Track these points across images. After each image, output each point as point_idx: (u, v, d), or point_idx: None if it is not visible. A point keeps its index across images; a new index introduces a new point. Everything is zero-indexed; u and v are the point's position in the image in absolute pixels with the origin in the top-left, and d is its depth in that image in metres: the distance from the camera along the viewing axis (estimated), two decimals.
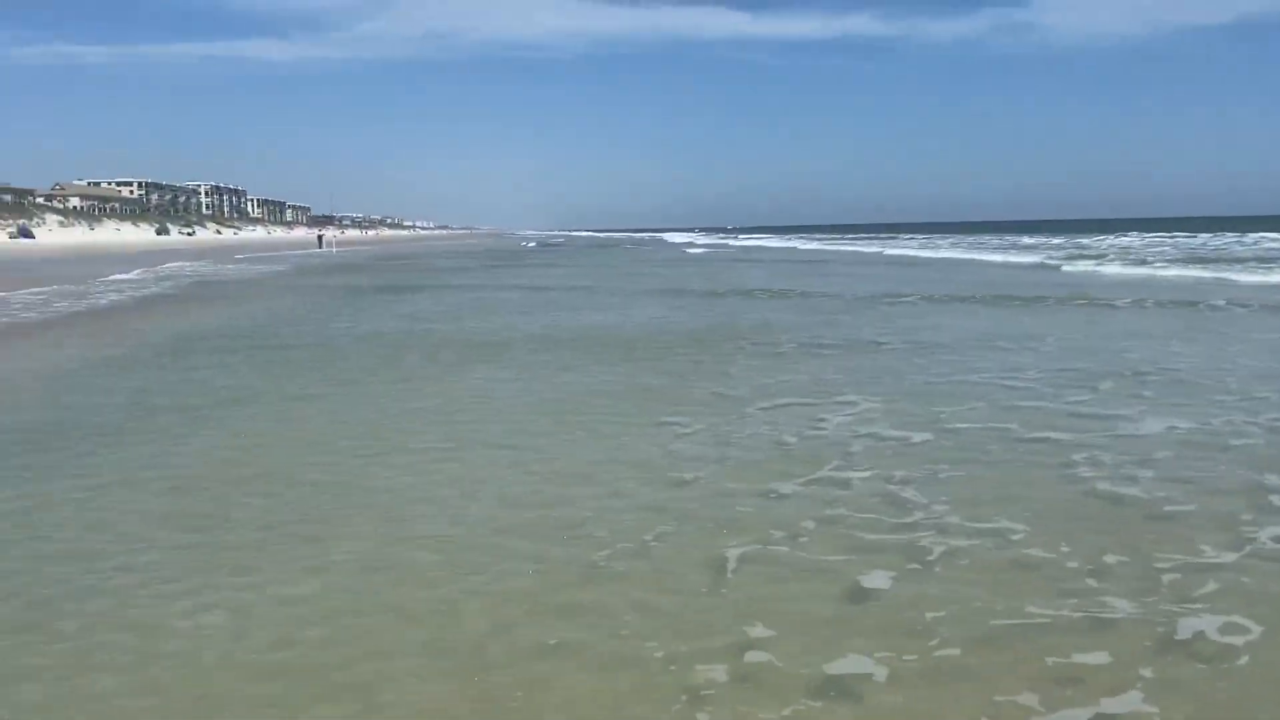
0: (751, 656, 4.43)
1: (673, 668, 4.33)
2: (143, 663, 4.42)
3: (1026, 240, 77.87)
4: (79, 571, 5.55)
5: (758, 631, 4.67)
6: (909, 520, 6.33)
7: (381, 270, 48.02)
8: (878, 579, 5.35)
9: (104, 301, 26.60)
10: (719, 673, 4.27)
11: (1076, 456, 7.89)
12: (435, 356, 14.38)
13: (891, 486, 7.08)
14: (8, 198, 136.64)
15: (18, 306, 24.23)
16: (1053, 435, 8.64)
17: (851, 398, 10.46)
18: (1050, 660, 4.39)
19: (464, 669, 4.34)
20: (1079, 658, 4.42)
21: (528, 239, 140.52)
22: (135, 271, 43.83)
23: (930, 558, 5.66)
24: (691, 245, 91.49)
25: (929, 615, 4.87)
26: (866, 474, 7.41)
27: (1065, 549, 5.79)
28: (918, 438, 8.58)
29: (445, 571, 5.50)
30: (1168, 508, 6.59)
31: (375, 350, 15.33)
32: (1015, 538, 6.01)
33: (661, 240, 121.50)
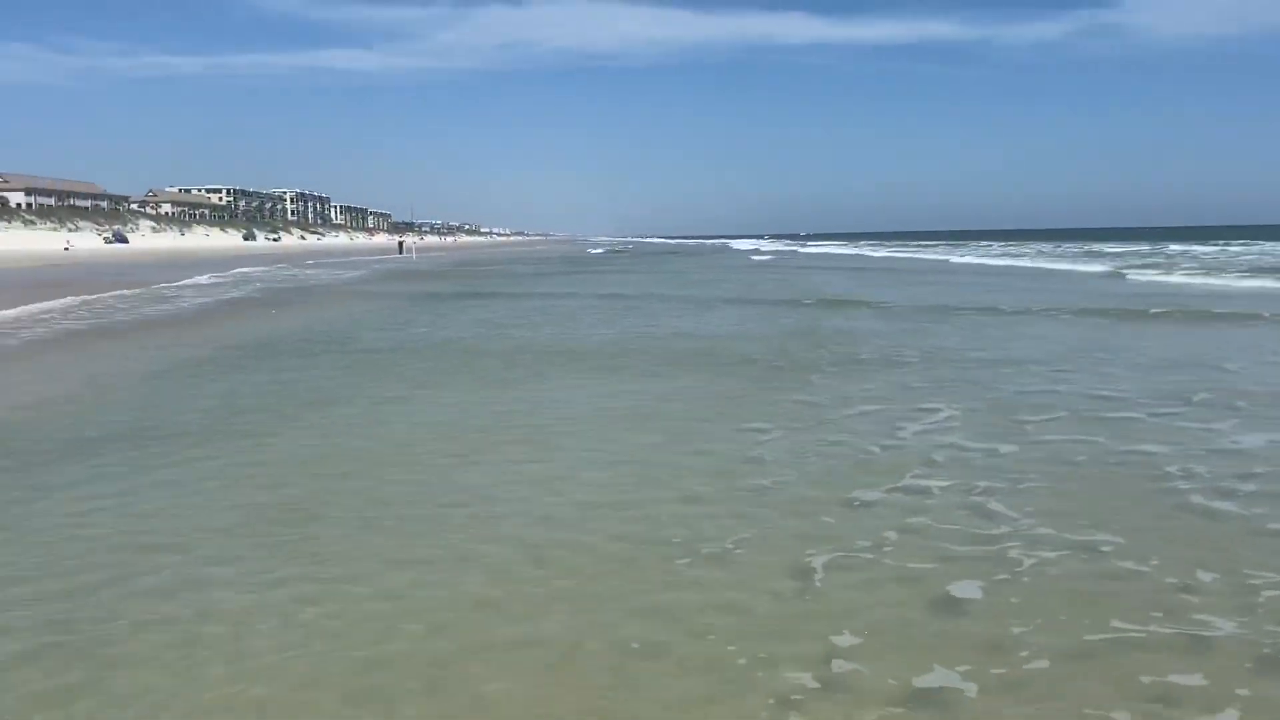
0: (839, 664, 4.43)
1: (759, 673, 4.35)
2: (243, 653, 4.59)
3: (1099, 248, 76.01)
4: (176, 563, 5.77)
5: (844, 639, 4.67)
6: (995, 531, 6.26)
7: (459, 276, 48.75)
8: (965, 590, 5.30)
9: (188, 304, 27.47)
10: (806, 679, 4.29)
11: (1170, 469, 7.70)
12: (514, 361, 14.56)
13: (977, 497, 7.00)
14: (104, 204, 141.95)
15: (106, 309, 25.15)
16: (1144, 448, 8.45)
17: (934, 406, 10.35)
18: (1144, 678, 4.31)
19: (556, 668, 4.42)
20: (1174, 677, 4.33)
21: (596, 245, 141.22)
22: (208, 275, 45.13)
23: (1018, 569, 5.59)
24: (757, 252, 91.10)
25: (1018, 628, 4.82)
26: (951, 483, 7.33)
27: (1157, 563, 5.67)
28: (1004, 448, 8.45)
29: (533, 571, 5.60)
30: (1269, 524, 6.40)
31: (455, 355, 15.60)
32: (1105, 550, 5.90)
33: (729, 247, 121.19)
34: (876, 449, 8.47)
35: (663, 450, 8.55)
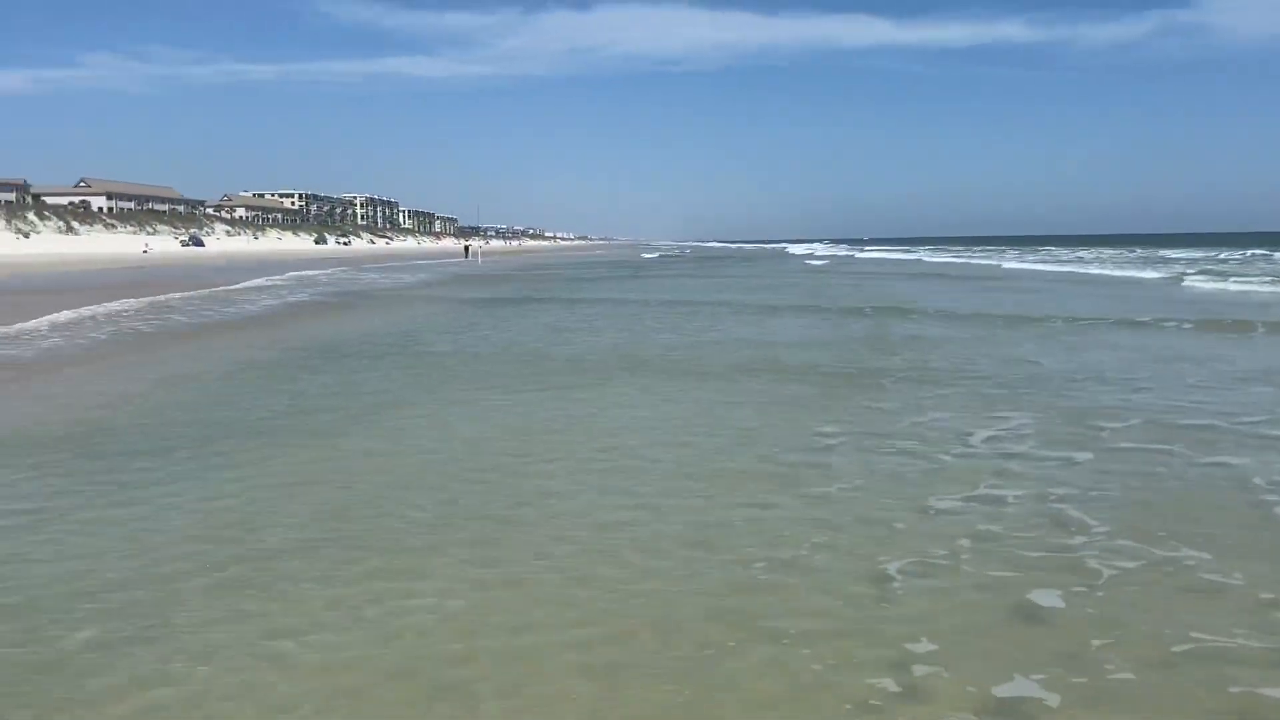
0: (918, 670, 4.40)
1: (836, 678, 4.34)
2: (324, 647, 4.68)
3: (1164, 253, 73.87)
4: (252, 555, 5.91)
5: (922, 646, 4.64)
6: (1074, 540, 6.15)
7: (522, 280, 49.10)
8: (1044, 598, 5.22)
9: (259, 306, 28.07)
10: (885, 684, 4.27)
11: (1256, 480, 7.50)
12: (578, 366, 14.64)
13: (1054, 505, 6.88)
14: (180, 208, 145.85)
15: (179, 309, 25.81)
16: (1227, 459, 8.23)
17: (1007, 413, 10.18)
18: (1233, 690, 4.21)
19: (632, 669, 4.45)
20: (1266, 690, 4.22)
21: (656, 250, 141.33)
22: (280, 277, 46.07)
23: (1098, 580, 5.49)
24: (812, 256, 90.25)
25: (1100, 638, 4.74)
26: (1027, 491, 7.22)
27: (1242, 575, 5.53)
28: (1080, 457, 8.30)
29: (606, 572, 5.64)
30: None
31: (518, 359, 15.71)
32: (1189, 563, 5.77)
33: (787, 252, 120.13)
34: (949, 456, 8.36)
35: (731, 456, 8.55)
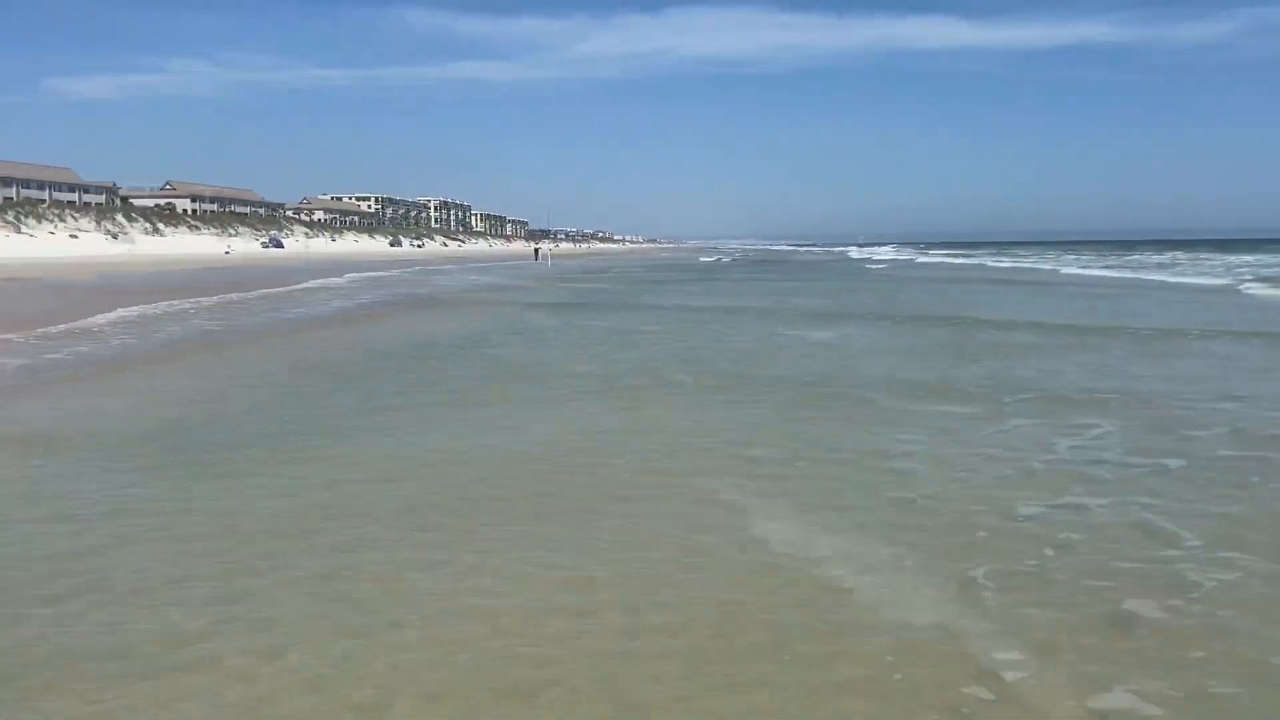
0: (1011, 678, 4.32)
1: (928, 686, 4.27)
2: (409, 644, 4.75)
3: (1207, 258, 71.09)
4: (336, 546, 6.02)
5: (1014, 655, 4.54)
6: (1169, 550, 5.98)
7: (590, 282, 49.27)
8: (1138, 608, 5.09)
9: (337, 306, 28.63)
10: (978, 691, 4.19)
11: None
12: (647, 370, 14.59)
13: (1147, 514, 6.70)
14: (261, 210, 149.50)
15: (258, 307, 26.45)
16: None
17: (1094, 420, 9.94)
18: None
19: (709, 674, 4.44)
20: None
21: (722, 253, 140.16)
22: (355, 276, 46.89)
23: (1195, 591, 5.33)
24: (870, 261, 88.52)
25: (1198, 650, 4.61)
26: (1116, 499, 7.03)
27: None
28: (1172, 464, 8.07)
29: (685, 576, 5.64)
30: None
31: (590, 363, 15.75)
32: None
33: (857, 256, 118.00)
34: (1038, 464, 8.19)
35: (811, 462, 8.47)
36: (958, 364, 14.64)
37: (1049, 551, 5.95)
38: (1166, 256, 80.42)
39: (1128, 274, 52.10)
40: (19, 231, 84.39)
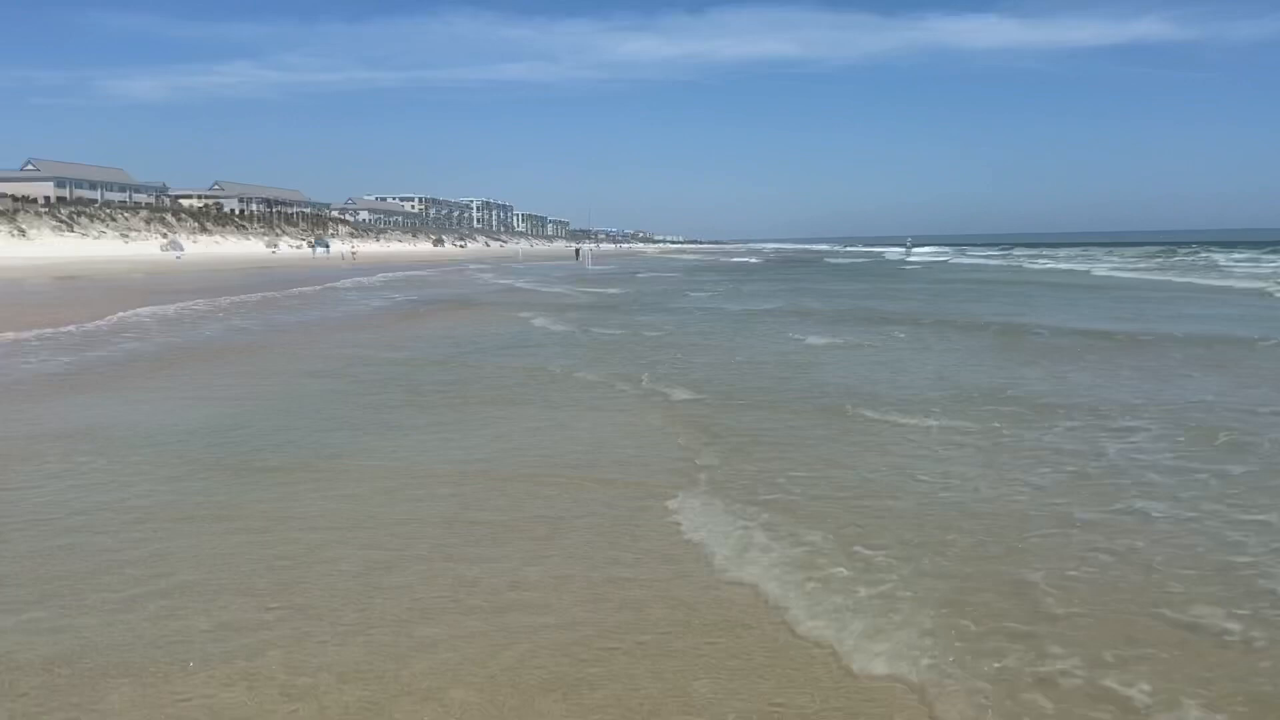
0: (1067, 684, 4.17)
1: (996, 687, 4.14)
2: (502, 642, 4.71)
3: (1217, 258, 68.74)
4: (400, 538, 6.02)
5: (1075, 663, 4.39)
6: (1240, 559, 5.77)
7: (628, 283, 49.27)
8: (1213, 619, 4.89)
9: (382, 303, 28.84)
10: (1036, 699, 4.06)
11: None
12: (689, 378, 14.53)
13: (1212, 523, 6.48)
14: (307, 210, 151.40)
15: (300, 305, 26.70)
16: None
17: (1139, 422, 9.68)
18: None
19: (816, 683, 4.36)
20: None
21: (756, 255, 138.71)
22: (396, 274, 47.18)
23: (1265, 600, 5.13)
24: (904, 262, 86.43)
25: (1274, 660, 4.42)
26: (1179, 505, 6.81)
27: None
28: (1236, 470, 7.82)
29: (735, 572, 5.55)
30: None
31: (627, 363, 15.69)
32: None
33: (899, 255, 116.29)
34: (1095, 468, 7.99)
35: (862, 468, 8.35)
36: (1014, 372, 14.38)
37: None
38: (1219, 257, 77.96)
39: (1159, 275, 50.61)
40: (71, 230, 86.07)
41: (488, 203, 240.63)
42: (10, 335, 18.27)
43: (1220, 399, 11.24)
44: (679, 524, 6.47)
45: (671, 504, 6.89)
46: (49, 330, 19.28)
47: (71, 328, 19.77)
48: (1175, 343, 17.41)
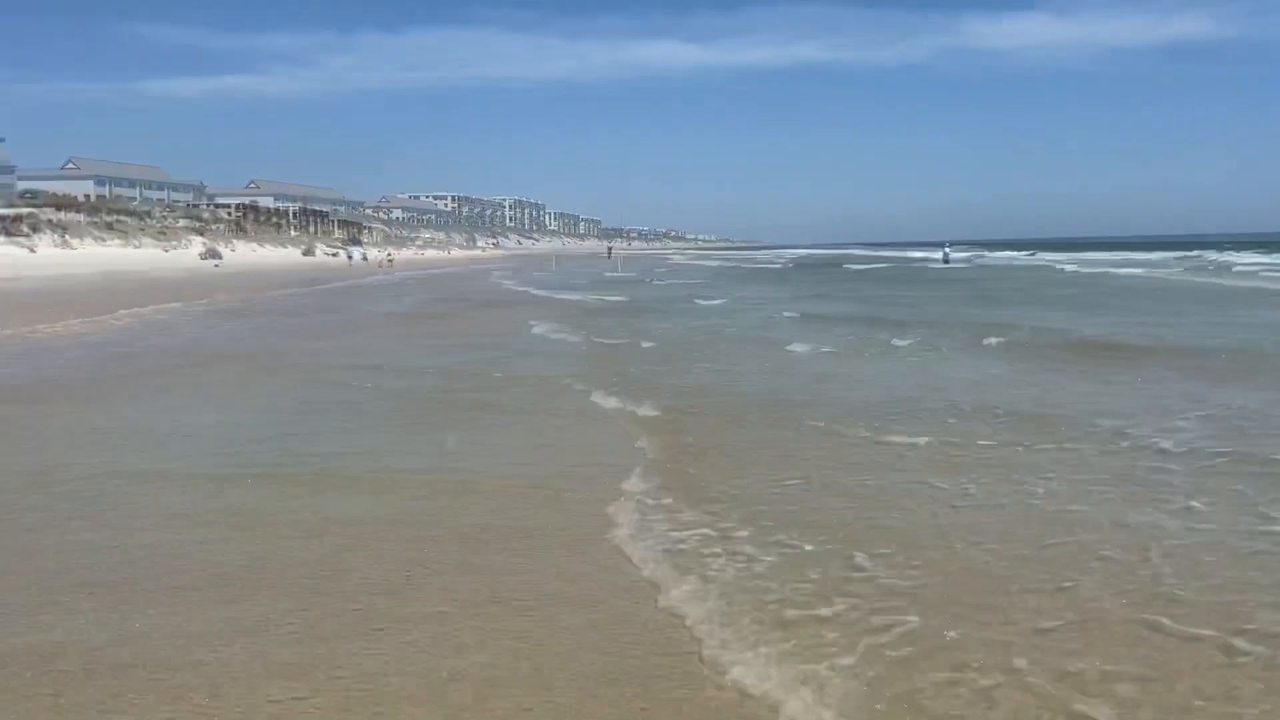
0: (1123, 690, 4.11)
1: (1050, 697, 4.09)
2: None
3: (1229, 259, 64.86)
4: (442, 533, 6.05)
5: (1124, 685, 4.31)
6: None
7: (659, 284, 49.24)
8: (1268, 631, 4.78)
9: (411, 300, 29.02)
10: (1097, 706, 4.00)
11: None
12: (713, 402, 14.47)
13: (1264, 526, 6.35)
14: (341, 209, 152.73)
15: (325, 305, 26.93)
16: None
17: (1181, 423, 9.53)
18: None
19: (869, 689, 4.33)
20: None
21: (789, 258, 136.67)
22: (440, 270, 47.40)
23: None
24: (927, 262, 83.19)
25: None
26: (1227, 509, 6.69)
27: None
28: None
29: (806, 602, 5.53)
30: None
31: (669, 368, 15.68)
32: None
33: (926, 259, 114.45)
34: (1141, 469, 7.88)
35: (906, 475, 8.30)
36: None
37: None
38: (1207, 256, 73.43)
39: (1183, 276, 48.53)
40: (111, 229, 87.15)
41: (520, 201, 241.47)
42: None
43: None
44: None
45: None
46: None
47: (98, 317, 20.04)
48: None
